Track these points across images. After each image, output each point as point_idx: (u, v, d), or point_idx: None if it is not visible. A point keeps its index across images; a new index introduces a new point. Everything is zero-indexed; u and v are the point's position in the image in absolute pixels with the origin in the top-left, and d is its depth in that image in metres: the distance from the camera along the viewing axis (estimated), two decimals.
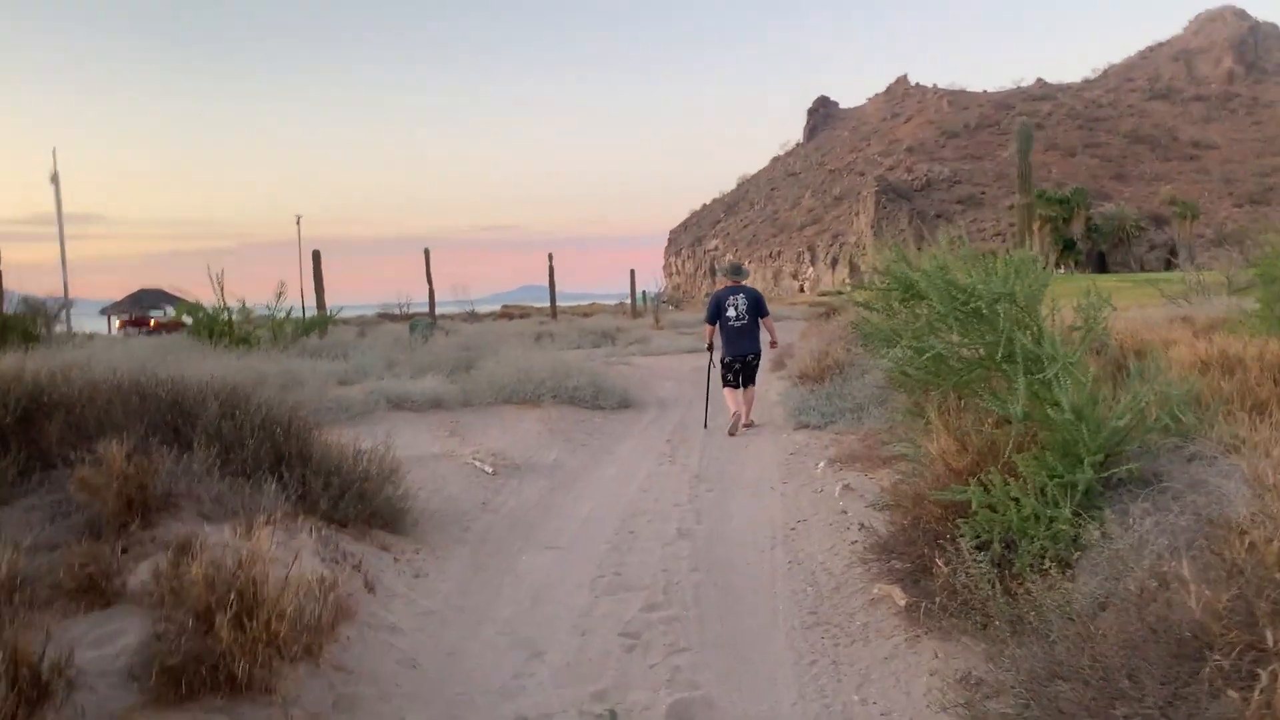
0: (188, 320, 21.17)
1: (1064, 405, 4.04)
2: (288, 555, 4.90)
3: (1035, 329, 4.47)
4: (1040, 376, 4.22)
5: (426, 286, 38.83)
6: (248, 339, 19.56)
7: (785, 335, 21.66)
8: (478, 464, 7.83)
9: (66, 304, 37.40)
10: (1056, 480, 4.14)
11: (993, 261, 4.58)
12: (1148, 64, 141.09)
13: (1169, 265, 72.87)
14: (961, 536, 4.16)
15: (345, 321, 44.16)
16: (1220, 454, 4.36)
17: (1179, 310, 13.82)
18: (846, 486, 6.55)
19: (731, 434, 9.98)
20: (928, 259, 4.83)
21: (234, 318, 19.92)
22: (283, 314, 20.87)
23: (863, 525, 5.61)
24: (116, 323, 39.15)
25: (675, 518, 6.55)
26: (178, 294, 26.52)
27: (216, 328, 19.45)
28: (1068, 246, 77.39)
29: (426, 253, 39.06)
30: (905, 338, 4.77)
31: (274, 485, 5.72)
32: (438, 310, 54.47)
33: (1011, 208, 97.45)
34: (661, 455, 8.92)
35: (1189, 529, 3.71)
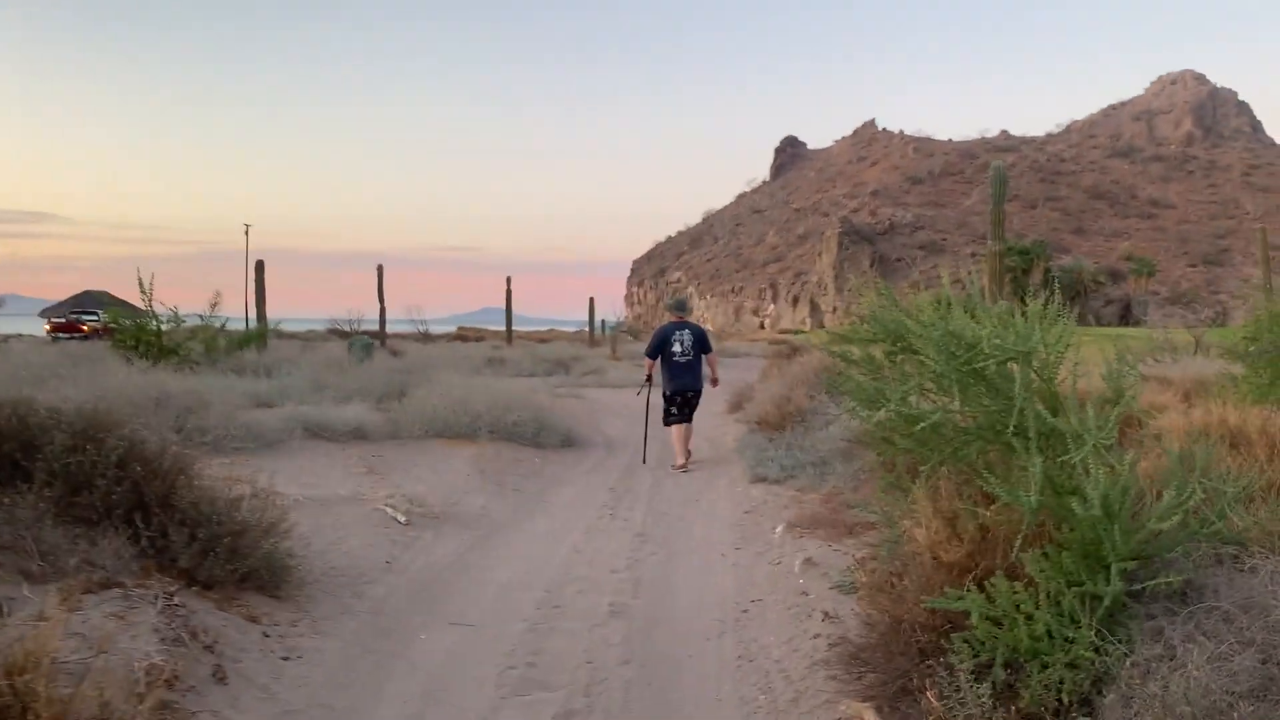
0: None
1: (1091, 498, 3.21)
2: (122, 630, 3.94)
3: (1052, 397, 3.66)
4: (1062, 459, 3.40)
5: (381, 303, 37.75)
6: (176, 351, 18.40)
7: (745, 374, 20.90)
8: (390, 511, 6.87)
9: None
10: (1076, 589, 3.31)
11: (1010, 311, 3.76)
12: (1110, 121, 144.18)
13: (1124, 320, 74.09)
14: (956, 655, 3.31)
15: (293, 335, 42.94)
16: (1261, 557, 3.56)
17: (1151, 369, 13.26)
18: (809, 561, 5.69)
19: (683, 469, 10.02)
20: (927, 305, 4.00)
21: (163, 327, 18.76)
22: (217, 325, 19.74)
23: (827, 615, 4.75)
24: (45, 326, 37.37)
25: (610, 588, 5.63)
26: (130, 301, 25.23)
27: (143, 338, 18.27)
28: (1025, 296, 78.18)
29: (379, 269, 37.82)
30: (893, 400, 3.92)
31: (123, 537, 4.76)
32: (390, 329, 53.09)
33: (974, 255, 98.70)
34: (602, 507, 8.01)
35: (1253, 673, 2.89)
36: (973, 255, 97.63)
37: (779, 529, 6.67)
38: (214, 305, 20.31)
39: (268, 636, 4.48)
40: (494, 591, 5.55)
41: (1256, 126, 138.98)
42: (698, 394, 10.63)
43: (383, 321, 37.46)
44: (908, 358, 4.08)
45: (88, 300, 48.32)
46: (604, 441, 11.95)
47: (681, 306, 11.28)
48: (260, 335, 21.80)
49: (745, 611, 5.18)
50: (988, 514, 3.74)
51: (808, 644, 4.51)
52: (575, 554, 6.43)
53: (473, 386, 12.12)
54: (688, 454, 10.26)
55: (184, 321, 19.69)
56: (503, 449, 10.15)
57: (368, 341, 18.44)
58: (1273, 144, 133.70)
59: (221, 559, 4.80)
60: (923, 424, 3.61)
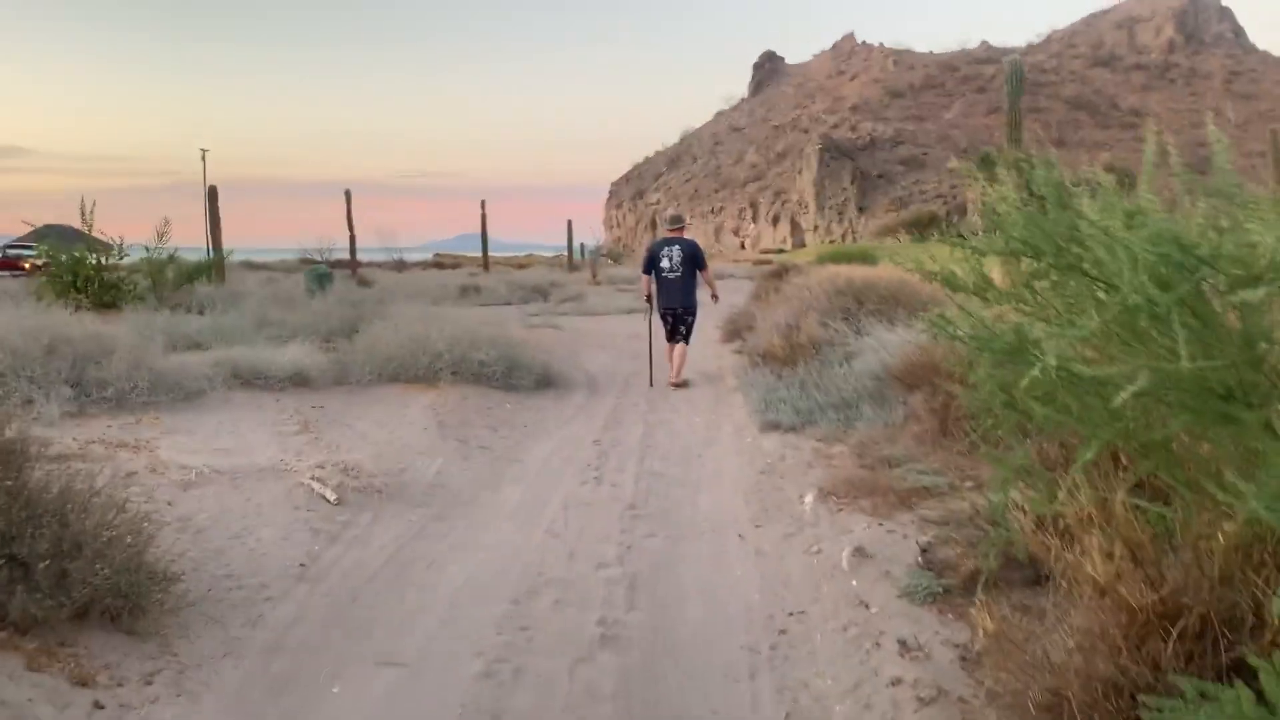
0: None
1: None
2: None
3: None
4: None
5: (360, 230, 36.01)
6: (118, 286, 16.75)
7: (733, 297, 19.45)
8: (317, 486, 5.42)
9: None
10: None
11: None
12: (1091, 30, 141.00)
13: None
14: None
15: (264, 266, 41.06)
16: None
17: None
18: (859, 551, 4.30)
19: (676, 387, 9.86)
20: (1110, 192, 2.55)
21: (102, 261, 17.06)
22: (165, 257, 18.06)
23: (905, 647, 3.37)
24: None
25: (598, 596, 4.24)
26: (100, 235, 23.38)
27: (80, 272, 16.59)
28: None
29: (347, 195, 35.91)
30: (1053, 346, 2.46)
31: None
32: (365, 258, 51.32)
33: (955, 170, 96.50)
34: (586, 468, 6.59)
35: None
36: (954, 170, 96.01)
37: (808, 498, 5.28)
38: (162, 235, 18.64)
39: (99, 708, 3.06)
40: (442, 606, 4.14)
41: (1239, 32, 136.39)
42: (689, 311, 10.26)
43: (353, 250, 35.73)
44: (1066, 284, 2.62)
45: (50, 234, 45.88)
46: (586, 380, 10.51)
47: (676, 221, 10.74)
48: (212, 267, 20.08)
49: (783, 633, 3.80)
50: (1217, 536, 2.32)
51: (883, 696, 3.14)
52: (552, 540, 5.02)
53: (436, 319, 10.61)
54: (682, 381, 10.01)
55: (126, 254, 18.02)
56: (468, 394, 8.69)
57: (323, 271, 16.82)
58: (1255, 50, 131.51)
59: (47, 587, 3.38)
60: (1130, 390, 2.12)
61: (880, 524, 4.68)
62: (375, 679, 3.46)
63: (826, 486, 5.42)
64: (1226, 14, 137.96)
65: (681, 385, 9.90)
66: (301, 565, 4.44)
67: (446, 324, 10.18)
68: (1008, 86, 14.97)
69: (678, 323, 10.18)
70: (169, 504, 5.06)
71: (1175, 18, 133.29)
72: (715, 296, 10.83)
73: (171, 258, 18.07)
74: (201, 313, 13.51)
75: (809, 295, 10.01)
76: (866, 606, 3.79)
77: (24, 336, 7.46)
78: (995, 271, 2.97)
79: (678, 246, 10.19)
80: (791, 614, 3.95)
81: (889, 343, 7.48)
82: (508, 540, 5.02)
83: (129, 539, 3.83)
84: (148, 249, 18.26)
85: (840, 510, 5.00)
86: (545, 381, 9.72)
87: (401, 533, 5.06)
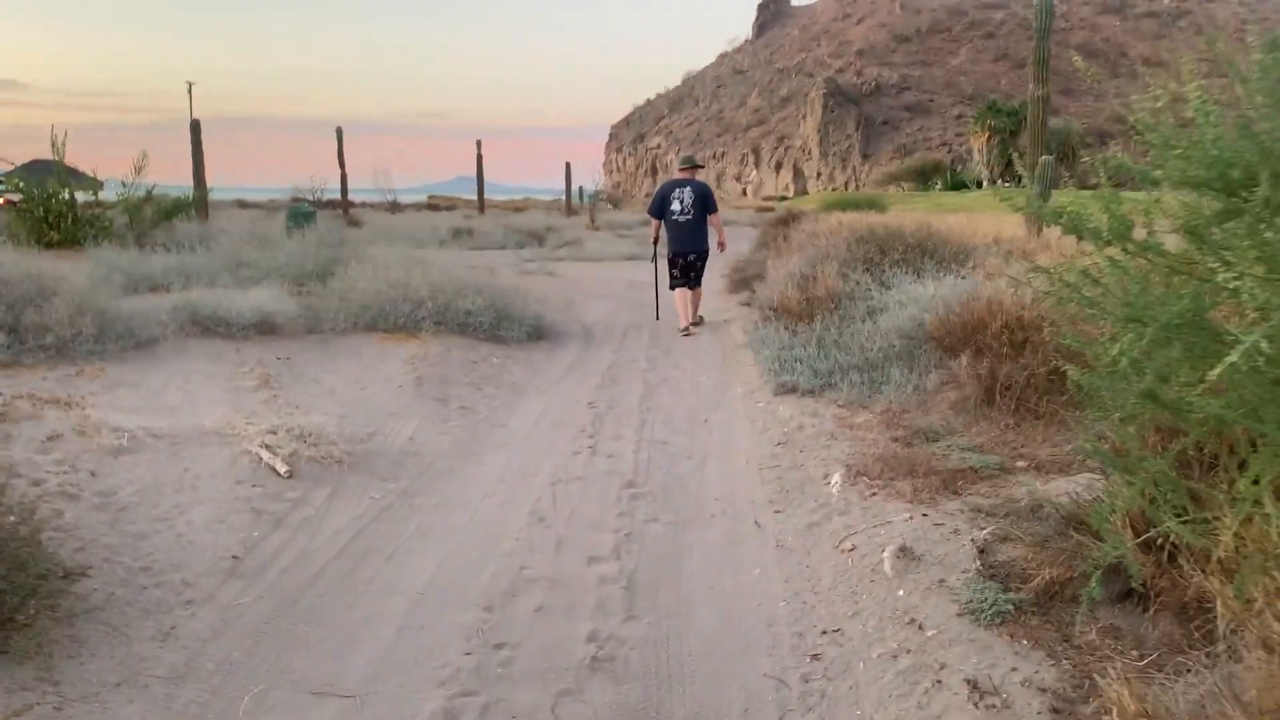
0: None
1: None
2: None
3: None
4: None
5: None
6: (93, 223, 15.94)
7: (737, 244, 18.65)
8: (266, 456, 4.68)
9: None
10: None
11: None
12: None
13: (1117, 184, 71.54)
14: None
15: (256, 205, 40.11)
16: None
17: None
18: (903, 550, 3.58)
19: (686, 332, 9.54)
20: None
21: (74, 197, 16.25)
22: (141, 193, 17.21)
23: (976, 689, 2.66)
24: None
25: (590, 600, 3.52)
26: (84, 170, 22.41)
27: (51, 209, 15.78)
28: (1013, 159, 75.80)
29: (338, 132, 34.88)
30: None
31: None
32: (359, 198, 50.29)
33: (960, 117, 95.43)
34: (579, 434, 5.85)
35: None
36: (959, 117, 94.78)
37: (835, 478, 4.55)
38: (138, 169, 17.75)
39: None
40: (401, 612, 3.42)
41: None
42: (700, 256, 9.89)
43: (344, 189, 34.80)
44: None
45: (38, 168, 44.74)
46: (581, 331, 9.74)
47: (689, 162, 10.28)
48: (192, 204, 19.19)
49: (816, 658, 3.09)
50: None
51: None
52: (537, 524, 4.29)
53: (420, 264, 9.81)
54: (697, 319, 9.85)
55: (99, 189, 17.20)
56: (452, 346, 7.93)
57: (305, 210, 15.93)
58: None
59: None
60: None
61: (924, 514, 3.95)
62: (307, 716, 2.75)
63: (855, 464, 4.69)
64: None
65: (698, 324, 9.77)
66: (234, 557, 3.71)
67: (432, 269, 9.39)
68: (1037, 23, 14.05)
69: (688, 268, 9.80)
70: (91, 474, 4.33)
71: None
72: (722, 244, 10.43)
73: (149, 194, 17.24)
74: (178, 252, 12.75)
75: (825, 243, 9.19)
76: (920, 627, 3.07)
77: None
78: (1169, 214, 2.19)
79: (689, 188, 9.78)
80: (825, 632, 3.23)
81: (919, 297, 6.71)
82: (485, 523, 4.29)
83: (19, 526, 3.11)
84: (124, 184, 17.42)
85: (873, 494, 4.27)
86: (537, 333, 8.95)
87: (361, 514, 4.33)
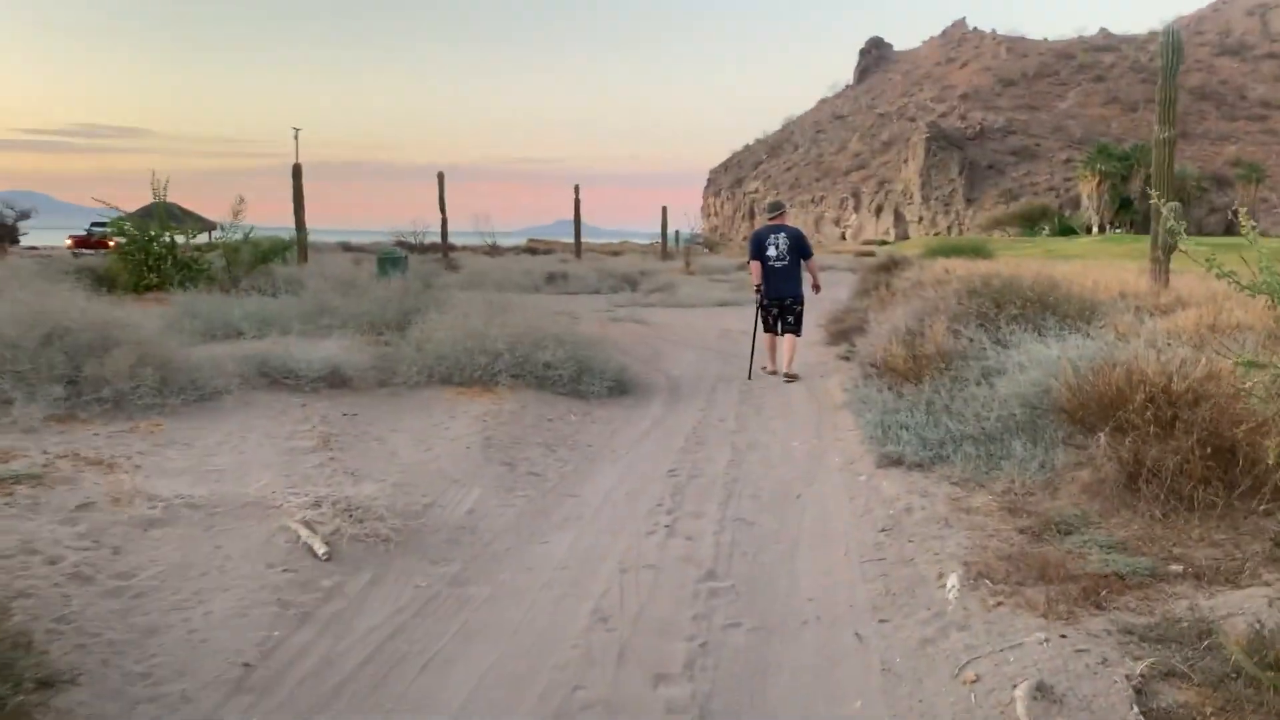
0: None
1: None
2: None
3: None
4: None
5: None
6: (189, 266, 16.18)
7: (834, 291, 17.90)
8: (304, 534, 4.21)
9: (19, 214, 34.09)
10: None
11: None
12: (1219, 17, 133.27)
13: (1229, 230, 68.33)
14: None
15: (359, 249, 41.09)
16: None
17: None
18: (1041, 690, 2.88)
19: (772, 372, 9.75)
20: None
21: (174, 240, 16.56)
22: (240, 236, 17.49)
23: None
24: (67, 241, 34.96)
25: None
26: (200, 214, 23.09)
27: (151, 251, 16.06)
28: (1124, 205, 73.16)
29: (440, 177, 35.33)
30: None
31: None
32: (459, 241, 51.07)
33: (1068, 161, 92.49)
34: (655, 508, 5.25)
35: None
36: (1067, 161, 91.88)
37: (951, 580, 3.84)
38: (237, 214, 18.06)
39: None
40: None
41: None
42: (797, 301, 9.82)
43: (444, 233, 35.20)
44: None
45: (156, 213, 46.43)
46: (667, 384, 9.17)
47: (776, 208, 10.28)
48: (288, 247, 19.40)
49: None
50: None
51: None
52: (598, 626, 3.70)
53: (503, 311, 9.43)
54: (791, 374, 9.48)
55: (194, 235, 17.52)
56: (528, 402, 7.46)
57: (395, 254, 15.84)
58: None
59: None
60: None
61: (1062, 634, 3.24)
62: None
63: (975, 562, 3.98)
64: None
65: (793, 379, 9.40)
66: (246, 665, 3.21)
67: (515, 316, 8.97)
68: (1163, 60, 13.10)
69: (784, 313, 9.77)
70: (114, 552, 3.93)
71: None
72: (817, 287, 10.27)
73: (246, 237, 17.50)
74: (270, 295, 12.76)
75: (934, 294, 8.45)
76: None
77: (17, 324, 6.48)
78: None
79: (783, 234, 9.77)
80: None
81: (1042, 359, 5.94)
82: (541, 624, 3.72)
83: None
84: (222, 228, 17.73)
85: (999, 604, 3.57)
86: (620, 387, 8.42)
87: (402, 606, 3.80)
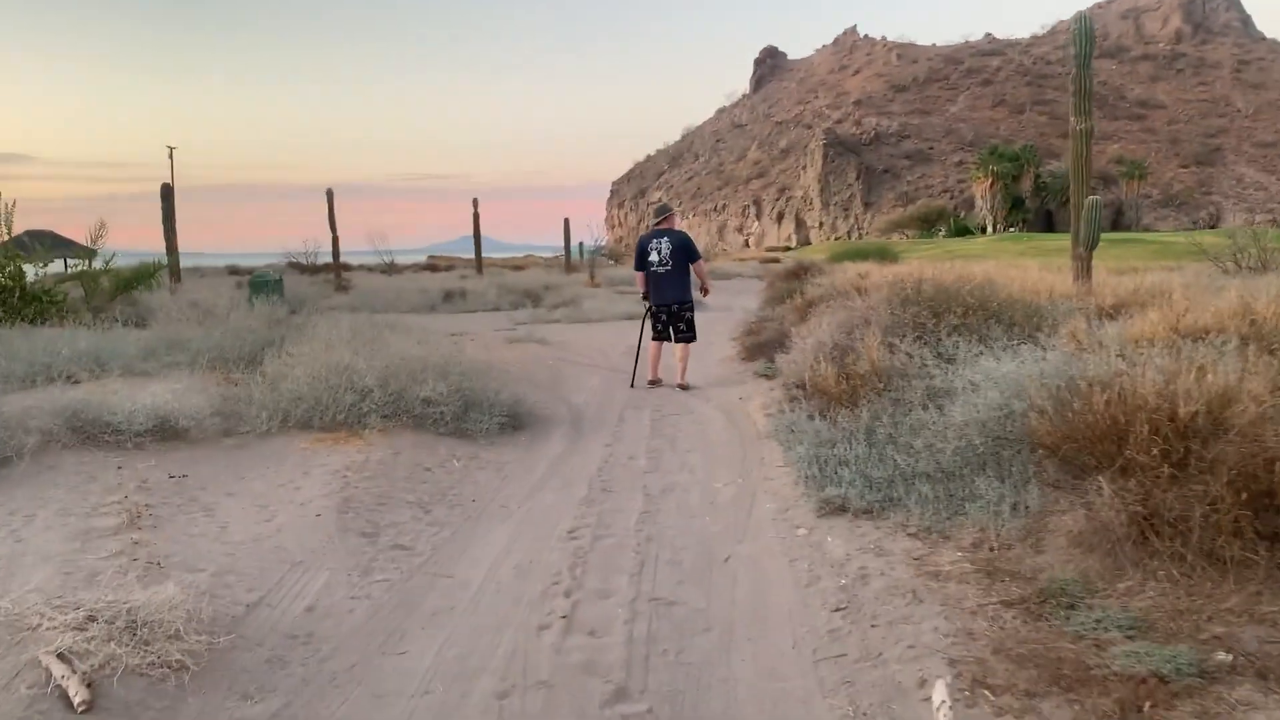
0: None
1: None
2: None
3: None
4: None
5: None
6: (40, 298, 14.48)
7: (741, 299, 17.08)
8: (59, 670, 3.03)
9: None
10: None
11: None
12: (1097, 21, 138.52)
13: (1115, 225, 70.59)
14: None
15: (249, 271, 39.09)
16: None
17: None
18: None
19: (652, 381, 9.43)
20: None
21: (18, 269, 14.82)
22: (101, 264, 15.88)
23: None
24: None
25: None
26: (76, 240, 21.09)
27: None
28: (1016, 204, 75.04)
29: (329, 194, 33.61)
30: None
31: None
32: (356, 260, 49.11)
33: (960, 164, 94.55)
34: (551, 584, 4.16)
35: None
36: (960, 163, 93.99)
37: (939, 695, 2.87)
38: (95, 239, 16.38)
39: None
40: None
41: (1246, 21, 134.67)
42: (685, 306, 9.50)
43: (336, 252, 33.53)
44: None
45: (29, 240, 43.60)
46: (569, 415, 8.10)
47: (662, 211, 9.89)
48: (153, 273, 17.69)
49: None
50: None
51: None
52: None
53: (387, 332, 8.25)
54: (684, 384, 9.24)
55: (46, 265, 15.85)
56: (402, 447, 6.31)
57: (268, 278, 14.43)
58: (1263, 38, 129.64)
59: None
60: None
61: None
62: None
63: (964, 659, 3.03)
64: (1233, 2, 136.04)
65: (685, 389, 9.13)
66: None
67: (395, 343, 7.81)
68: (1075, 47, 12.61)
69: (673, 320, 9.48)
70: None
71: (1182, 7, 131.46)
72: (705, 290, 10.19)
73: (107, 264, 15.89)
74: (140, 326, 11.39)
75: (861, 304, 7.58)
76: None
77: None
78: None
79: (666, 239, 9.48)
80: None
81: (1000, 377, 5.08)
82: None
83: None
84: (76, 255, 16.10)
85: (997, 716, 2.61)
86: (514, 422, 7.33)
87: None
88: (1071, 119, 12.39)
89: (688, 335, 9.45)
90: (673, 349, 9.46)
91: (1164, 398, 3.80)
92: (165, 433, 6.20)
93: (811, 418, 6.19)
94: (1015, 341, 6.05)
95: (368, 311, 20.04)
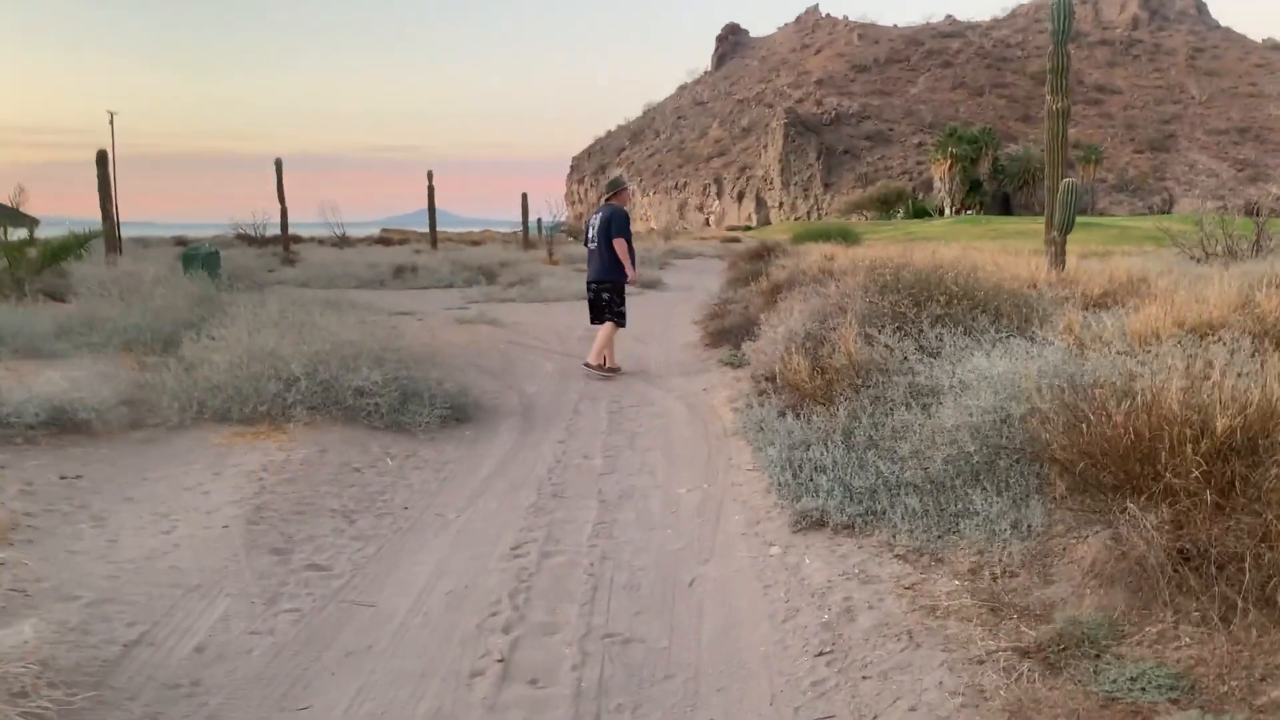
0: None
1: None
2: None
3: None
4: None
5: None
6: None
7: (704, 279, 16.59)
8: None
9: None
10: None
11: None
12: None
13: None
14: None
15: (200, 241, 37.95)
16: None
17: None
18: None
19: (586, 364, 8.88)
20: None
21: None
22: (27, 232, 15.01)
23: None
24: None
25: None
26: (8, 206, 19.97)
27: None
28: (974, 187, 75.32)
29: (278, 163, 32.54)
30: None
31: None
32: (308, 233, 47.86)
33: (920, 145, 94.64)
34: (488, 617, 3.59)
35: None
36: (919, 145, 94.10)
37: None
38: (16, 204, 15.52)
39: None
40: None
41: (1201, 8, 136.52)
42: (603, 285, 9.02)
43: (284, 224, 32.55)
44: None
45: None
46: (520, 405, 7.50)
47: (613, 186, 9.40)
48: (83, 242, 16.70)
49: None
50: None
51: None
52: None
53: (326, 310, 7.59)
54: (602, 363, 8.83)
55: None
56: (330, 442, 5.69)
57: (204, 251, 13.58)
58: (1218, 26, 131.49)
59: None
60: None
61: None
62: None
63: (973, 702, 2.51)
64: None
65: (598, 371, 8.72)
66: None
67: (330, 325, 7.14)
68: (1054, 24, 12.17)
69: (595, 299, 9.09)
70: None
71: None
72: (629, 274, 9.05)
73: (31, 234, 15.00)
74: (66, 301, 10.63)
75: (835, 291, 7.04)
76: None
77: None
78: None
79: (599, 215, 9.16)
80: None
81: (994, 377, 4.57)
82: None
83: None
84: (16, 223, 15.24)
85: None
86: (458, 414, 6.72)
87: None
88: (1047, 97, 11.95)
89: (610, 315, 8.93)
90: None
91: (1193, 409, 3.30)
92: (60, 423, 5.52)
93: (783, 414, 5.67)
94: (1003, 334, 5.56)
95: (314, 287, 19.27)
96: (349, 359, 6.46)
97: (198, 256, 13.07)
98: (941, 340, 5.56)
